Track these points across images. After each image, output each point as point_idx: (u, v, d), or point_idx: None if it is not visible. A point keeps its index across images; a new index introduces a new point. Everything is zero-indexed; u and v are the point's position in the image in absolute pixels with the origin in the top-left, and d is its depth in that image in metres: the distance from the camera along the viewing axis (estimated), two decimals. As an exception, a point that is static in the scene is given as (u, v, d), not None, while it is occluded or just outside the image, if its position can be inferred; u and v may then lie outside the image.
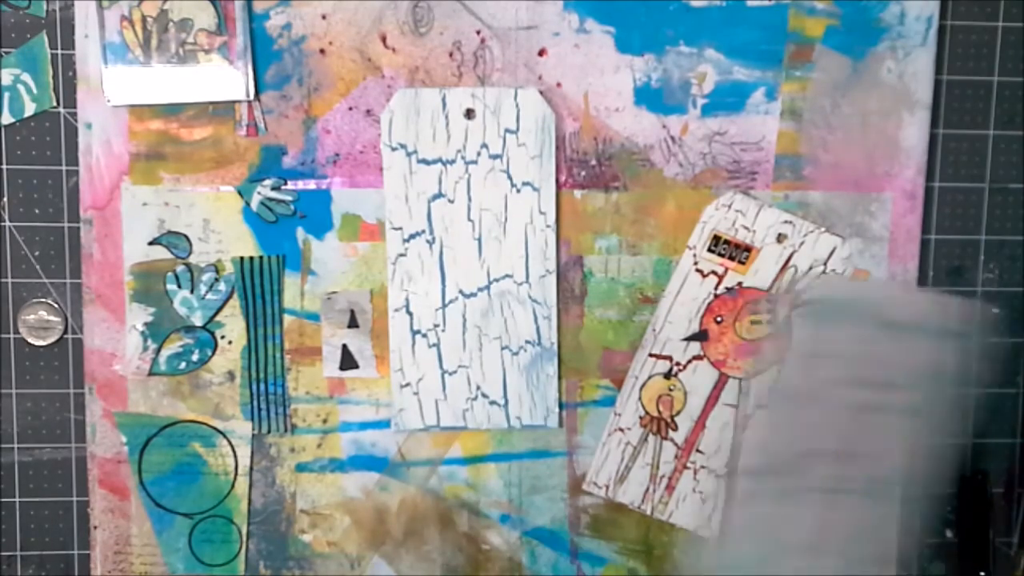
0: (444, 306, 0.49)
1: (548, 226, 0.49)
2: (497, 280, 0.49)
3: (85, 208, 0.49)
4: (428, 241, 0.49)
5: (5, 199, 0.49)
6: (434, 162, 0.49)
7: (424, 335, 0.50)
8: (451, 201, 0.49)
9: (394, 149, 0.48)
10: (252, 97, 0.48)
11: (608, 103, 0.49)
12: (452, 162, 0.49)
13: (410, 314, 0.49)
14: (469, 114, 0.48)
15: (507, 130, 0.48)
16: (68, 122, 0.49)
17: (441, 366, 0.50)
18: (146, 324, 0.49)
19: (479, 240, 0.49)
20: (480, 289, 0.49)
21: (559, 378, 0.51)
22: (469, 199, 0.49)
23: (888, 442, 0.42)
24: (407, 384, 0.50)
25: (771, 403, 0.42)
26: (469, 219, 0.49)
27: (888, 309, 0.42)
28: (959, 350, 0.42)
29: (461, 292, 0.49)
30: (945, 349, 0.42)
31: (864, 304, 0.42)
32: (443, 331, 0.50)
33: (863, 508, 0.41)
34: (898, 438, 0.42)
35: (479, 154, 0.49)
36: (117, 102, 0.48)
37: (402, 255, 0.49)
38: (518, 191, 0.49)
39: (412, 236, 0.49)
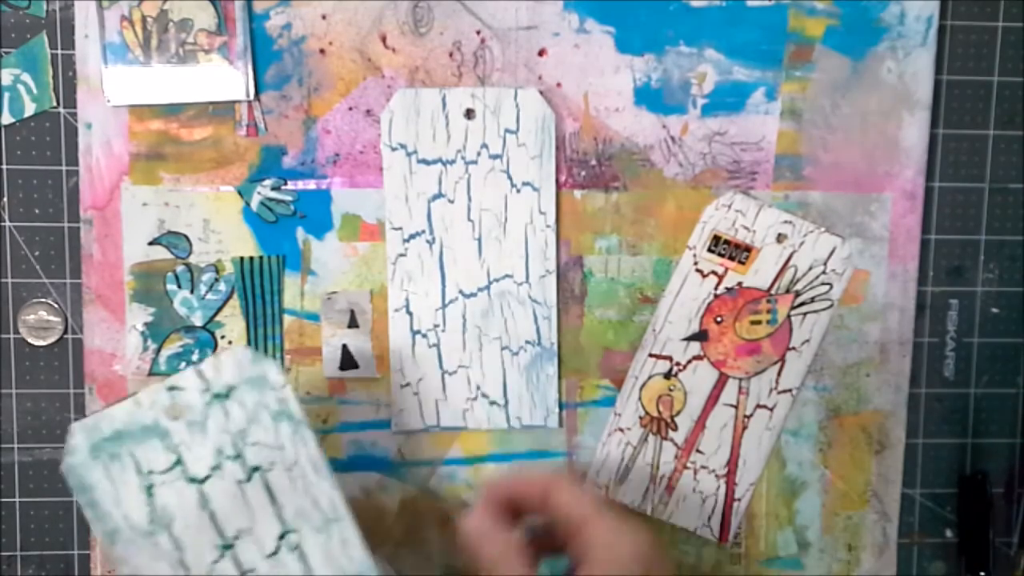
0: (444, 306, 0.49)
1: (548, 226, 0.49)
2: (497, 280, 0.49)
3: (85, 208, 0.49)
4: (428, 241, 0.49)
5: (5, 199, 0.49)
6: (434, 162, 0.49)
7: (424, 335, 0.50)
8: (451, 201, 0.49)
9: (394, 149, 0.48)
10: (252, 97, 0.48)
11: (608, 103, 0.49)
12: (452, 162, 0.49)
13: (410, 314, 0.49)
14: (469, 114, 0.48)
15: (507, 130, 0.48)
16: (68, 122, 0.49)
17: (441, 366, 0.50)
18: (146, 324, 0.49)
19: (479, 240, 0.49)
20: (480, 289, 0.49)
21: (559, 378, 0.51)
22: (469, 199, 0.49)
23: (258, 500, 0.41)
24: (407, 384, 0.50)
25: (120, 553, 0.40)
26: (469, 219, 0.49)
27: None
28: (258, 390, 0.41)
29: (461, 292, 0.49)
30: (262, 394, 0.41)
31: (140, 414, 0.41)
32: (443, 331, 0.50)
33: (301, 559, 0.41)
34: (263, 491, 0.41)
35: (479, 154, 0.49)
36: (117, 102, 0.48)
37: (402, 255, 0.49)
38: (518, 191, 0.49)
39: (412, 236, 0.49)
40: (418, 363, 0.50)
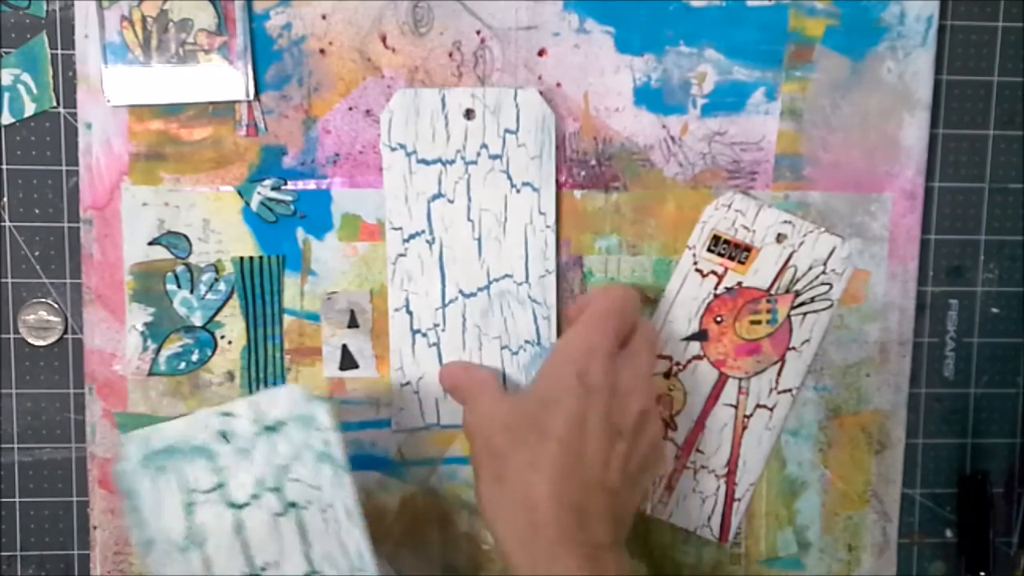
0: (444, 306, 0.49)
1: (548, 226, 0.49)
2: (497, 280, 0.49)
3: (85, 208, 0.49)
4: (428, 241, 0.49)
5: (5, 199, 0.49)
6: (434, 162, 0.49)
7: (424, 335, 0.50)
8: (451, 201, 0.49)
9: (394, 149, 0.48)
10: (252, 97, 0.48)
11: (608, 103, 0.49)
12: (452, 162, 0.49)
13: (410, 314, 0.49)
14: (469, 114, 0.48)
15: (507, 130, 0.48)
16: (68, 122, 0.49)
17: (441, 365, 0.50)
18: (146, 324, 0.49)
19: (479, 240, 0.49)
20: (480, 289, 0.49)
21: (559, 378, 0.51)
22: (469, 199, 0.49)
23: (290, 536, 0.42)
24: (407, 383, 0.50)
25: (152, 564, 0.41)
26: (469, 219, 0.49)
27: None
28: (316, 429, 0.43)
29: (461, 292, 0.49)
30: (311, 432, 0.43)
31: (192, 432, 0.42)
32: (443, 331, 0.50)
33: None
34: (296, 528, 0.42)
35: (479, 154, 0.49)
36: (117, 102, 0.48)
37: (402, 255, 0.49)
38: (518, 191, 0.49)
39: (412, 236, 0.49)
40: (418, 362, 0.50)
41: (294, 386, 0.43)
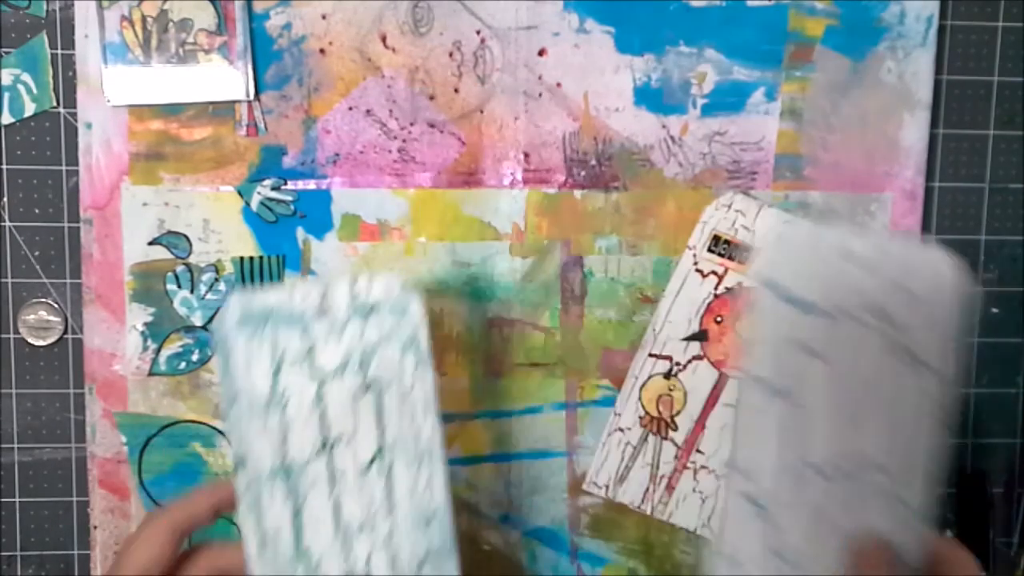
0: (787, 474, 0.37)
1: (941, 420, 0.37)
2: (859, 461, 0.37)
3: (85, 208, 0.49)
4: (787, 396, 0.37)
5: (5, 199, 0.49)
6: (812, 309, 0.36)
7: (759, 505, 0.38)
8: (824, 360, 0.36)
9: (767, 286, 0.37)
10: (252, 97, 0.48)
11: (608, 103, 0.49)
12: (832, 316, 0.36)
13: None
14: (849, 256, 0.36)
15: (897, 284, 0.36)
16: (68, 122, 0.49)
17: (773, 551, 0.37)
18: (146, 324, 0.49)
19: (851, 411, 0.37)
20: (839, 472, 0.37)
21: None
22: (848, 361, 0.37)
23: (367, 414, 0.42)
24: (737, 562, 0.38)
25: (233, 419, 0.42)
26: (843, 384, 0.37)
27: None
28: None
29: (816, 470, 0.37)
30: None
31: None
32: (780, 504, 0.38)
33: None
34: (373, 408, 0.42)
35: (867, 312, 0.36)
36: (117, 102, 0.48)
37: (755, 408, 0.38)
38: (909, 367, 0.37)
39: (774, 392, 0.37)
40: (747, 539, 0.38)
41: (395, 275, 0.44)
